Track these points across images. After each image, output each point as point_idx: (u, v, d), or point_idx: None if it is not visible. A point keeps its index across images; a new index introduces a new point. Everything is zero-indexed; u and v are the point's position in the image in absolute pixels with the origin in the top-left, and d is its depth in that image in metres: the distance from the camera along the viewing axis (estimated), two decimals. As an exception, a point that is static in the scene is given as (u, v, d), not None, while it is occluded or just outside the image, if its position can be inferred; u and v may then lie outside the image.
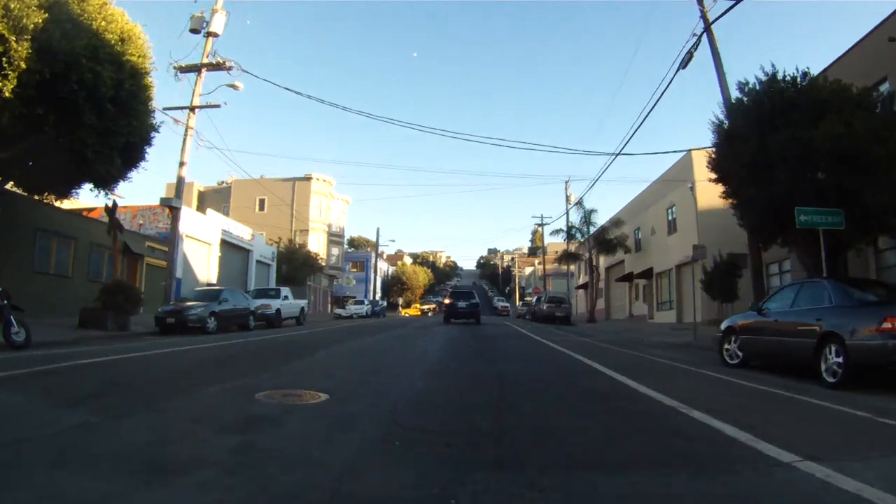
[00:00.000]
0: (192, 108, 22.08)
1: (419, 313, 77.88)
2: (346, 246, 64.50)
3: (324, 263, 54.79)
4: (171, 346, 12.88)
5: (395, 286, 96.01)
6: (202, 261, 34.19)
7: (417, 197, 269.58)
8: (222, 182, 57.09)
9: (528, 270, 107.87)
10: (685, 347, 16.90)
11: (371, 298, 60.20)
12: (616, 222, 38.17)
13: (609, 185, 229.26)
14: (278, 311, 24.87)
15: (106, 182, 17.05)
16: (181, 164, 22.12)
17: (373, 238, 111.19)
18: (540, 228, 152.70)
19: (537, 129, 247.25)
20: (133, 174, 18.04)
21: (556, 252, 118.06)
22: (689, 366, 11.24)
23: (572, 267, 63.53)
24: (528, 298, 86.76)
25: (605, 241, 37.92)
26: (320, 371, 9.38)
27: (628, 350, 15.83)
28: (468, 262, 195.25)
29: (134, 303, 18.17)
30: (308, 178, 55.04)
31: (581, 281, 58.31)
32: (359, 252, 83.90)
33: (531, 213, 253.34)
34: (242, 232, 39.01)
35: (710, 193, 30.28)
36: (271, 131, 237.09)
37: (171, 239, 22.81)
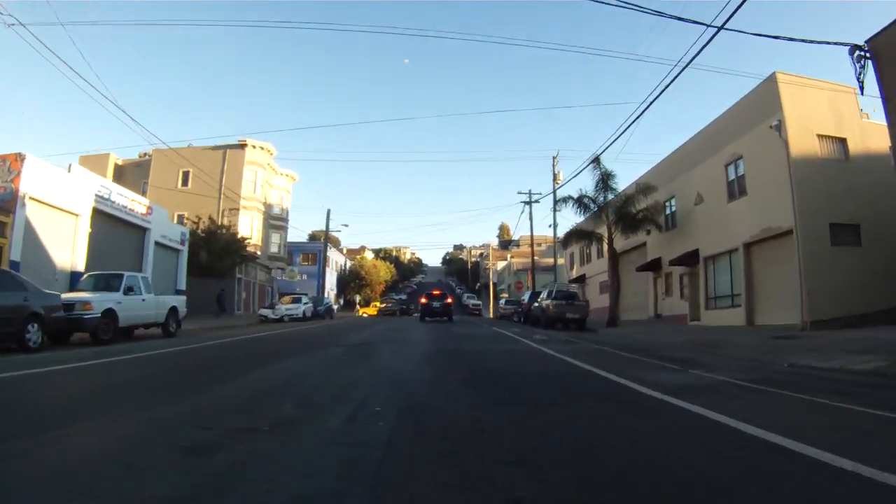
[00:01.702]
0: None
1: (376, 313, 67.72)
2: (287, 233, 53.38)
3: (257, 251, 43.96)
4: None
5: (352, 282, 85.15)
6: (62, 239, 23.54)
7: (379, 187, 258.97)
8: (145, 154, 45.74)
9: (501, 265, 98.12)
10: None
11: (316, 295, 49.24)
12: (644, 188, 28.35)
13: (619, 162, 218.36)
14: (109, 313, 14.34)
15: None
16: None
17: (338, 235, 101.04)
18: (506, 225, 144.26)
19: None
20: None
21: (542, 244, 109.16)
22: None
23: (560, 259, 53.80)
24: (504, 295, 77.21)
25: (626, 214, 27.99)
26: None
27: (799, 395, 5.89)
28: (433, 259, 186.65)
29: None
30: (242, 145, 44.05)
31: (575, 273, 48.46)
32: (311, 243, 72.70)
33: (495, 204, 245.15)
34: (133, 202, 28.16)
35: (808, 138, 20.81)
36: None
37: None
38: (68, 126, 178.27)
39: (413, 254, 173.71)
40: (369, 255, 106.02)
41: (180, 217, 39.16)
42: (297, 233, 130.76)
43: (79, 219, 24.15)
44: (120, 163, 47.17)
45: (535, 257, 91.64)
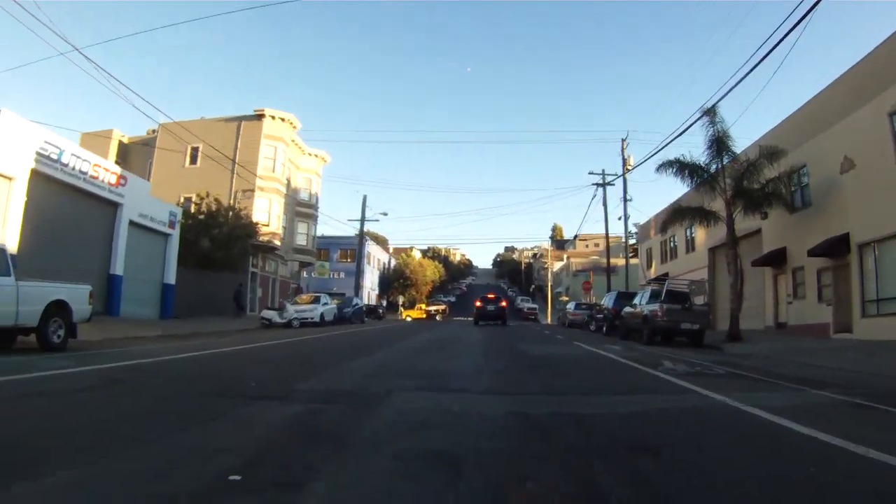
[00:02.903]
0: None
1: (424, 315, 61.31)
2: (317, 223, 47.03)
3: (275, 240, 37.59)
4: None
5: (396, 281, 78.64)
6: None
7: (431, 192, 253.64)
8: (153, 131, 40.07)
9: (558, 266, 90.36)
10: None
11: (350, 294, 42.58)
12: (772, 153, 20.00)
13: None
14: None
15: None
16: None
17: (385, 234, 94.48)
18: (559, 226, 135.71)
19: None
20: None
21: (589, 245, 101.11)
22: None
23: (633, 260, 45.93)
24: (564, 298, 69.53)
25: (747, 189, 20.24)
26: None
27: None
28: (484, 261, 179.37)
29: None
30: (259, 116, 37.72)
31: (654, 273, 40.61)
32: (351, 237, 66.28)
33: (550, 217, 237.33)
34: (97, 168, 22.07)
35: None
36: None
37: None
38: (73, 105, 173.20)
39: (463, 255, 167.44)
40: (417, 255, 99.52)
41: (187, 200, 33.23)
42: (337, 227, 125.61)
43: (12, 183, 18.22)
44: (125, 140, 41.96)
45: (594, 257, 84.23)
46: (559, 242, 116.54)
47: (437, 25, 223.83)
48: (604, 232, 41.58)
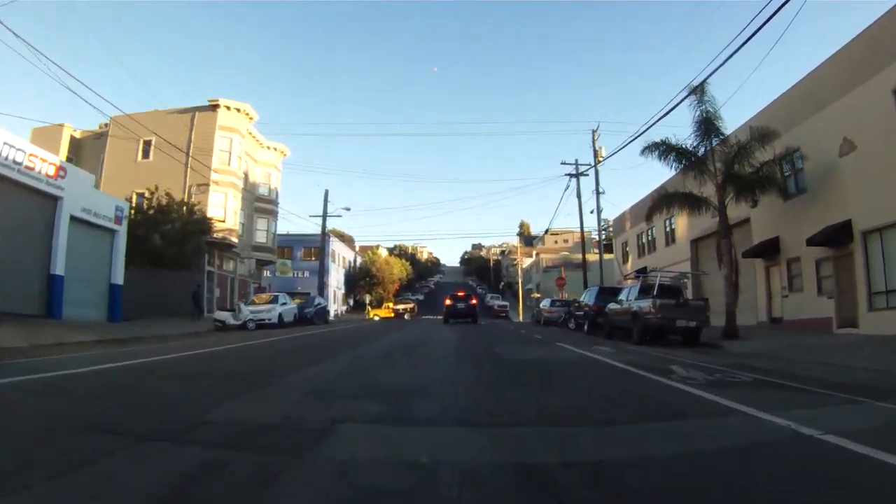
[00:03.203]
0: None
1: (392, 315, 59.72)
2: (277, 219, 44.86)
3: (231, 236, 35.38)
4: None
5: (362, 280, 76.60)
6: None
7: (395, 188, 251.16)
8: (105, 125, 37.51)
9: (527, 262, 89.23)
10: None
11: (313, 293, 40.47)
12: (763, 134, 18.78)
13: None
14: None
15: None
16: None
17: (351, 232, 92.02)
18: (527, 223, 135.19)
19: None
20: None
21: (558, 241, 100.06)
22: None
23: (607, 255, 44.72)
24: (536, 295, 68.22)
25: (737, 174, 18.89)
26: None
27: None
28: (451, 259, 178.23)
29: None
30: (214, 106, 35.37)
31: (631, 267, 39.41)
32: (314, 235, 64.04)
33: (518, 213, 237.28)
34: (31, 158, 19.79)
35: None
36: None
37: None
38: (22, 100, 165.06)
39: (431, 253, 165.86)
40: (383, 252, 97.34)
41: (140, 196, 30.92)
42: (300, 224, 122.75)
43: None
44: (77, 135, 39.17)
45: (564, 253, 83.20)
46: (527, 239, 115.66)
47: (401, 20, 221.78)
48: (574, 227, 40.77)
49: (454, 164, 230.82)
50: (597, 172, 37.71)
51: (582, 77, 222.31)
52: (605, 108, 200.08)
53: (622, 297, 20.30)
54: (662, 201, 21.38)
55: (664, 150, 19.69)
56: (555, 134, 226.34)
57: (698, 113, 19.09)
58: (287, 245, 60.62)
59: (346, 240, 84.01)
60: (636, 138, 58.54)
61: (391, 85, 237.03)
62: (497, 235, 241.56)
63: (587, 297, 25.73)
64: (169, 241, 27.42)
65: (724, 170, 19.13)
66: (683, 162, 19.89)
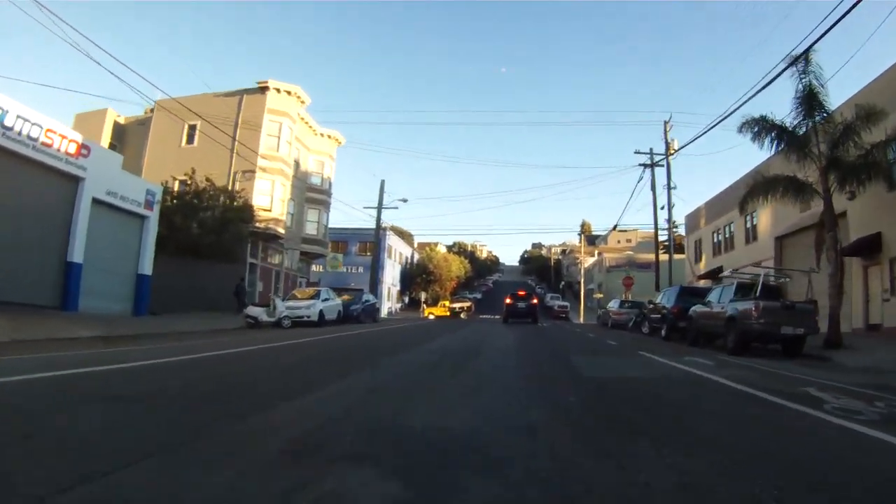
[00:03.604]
0: None
1: (447, 313, 57.44)
2: (329, 210, 42.85)
3: (278, 227, 33.49)
4: None
5: (418, 277, 74.46)
6: None
7: (456, 187, 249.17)
8: (151, 110, 36.41)
9: (589, 262, 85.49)
10: None
11: (365, 289, 38.18)
12: (870, 113, 15.55)
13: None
14: None
15: None
16: None
17: (410, 229, 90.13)
18: (588, 222, 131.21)
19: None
20: None
21: (621, 241, 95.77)
22: None
23: (678, 254, 41.12)
24: (598, 295, 64.64)
25: (840, 159, 15.59)
26: None
27: None
28: (510, 257, 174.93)
29: None
30: (263, 89, 33.73)
31: (704, 267, 35.89)
32: (368, 230, 62.05)
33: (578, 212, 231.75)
34: (49, 135, 18.14)
35: None
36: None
37: None
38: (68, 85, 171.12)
39: (490, 251, 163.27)
40: (442, 249, 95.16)
41: (182, 183, 29.31)
42: (356, 219, 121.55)
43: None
44: (121, 121, 38.50)
45: (629, 252, 79.13)
46: (589, 238, 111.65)
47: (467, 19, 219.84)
48: (638, 225, 37.33)
49: (517, 154, 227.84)
50: (668, 166, 34.75)
51: (658, 67, 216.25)
52: (677, 100, 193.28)
53: (711, 298, 17.31)
54: (759, 188, 18.04)
55: (760, 128, 16.57)
56: (624, 125, 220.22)
57: (800, 86, 15.91)
58: (342, 239, 59.21)
59: (405, 236, 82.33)
60: (725, 118, 54.37)
61: (465, 85, 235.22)
62: (558, 231, 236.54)
63: (665, 299, 22.57)
64: (206, 229, 25.59)
65: (827, 153, 15.91)
66: (782, 143, 16.71)
